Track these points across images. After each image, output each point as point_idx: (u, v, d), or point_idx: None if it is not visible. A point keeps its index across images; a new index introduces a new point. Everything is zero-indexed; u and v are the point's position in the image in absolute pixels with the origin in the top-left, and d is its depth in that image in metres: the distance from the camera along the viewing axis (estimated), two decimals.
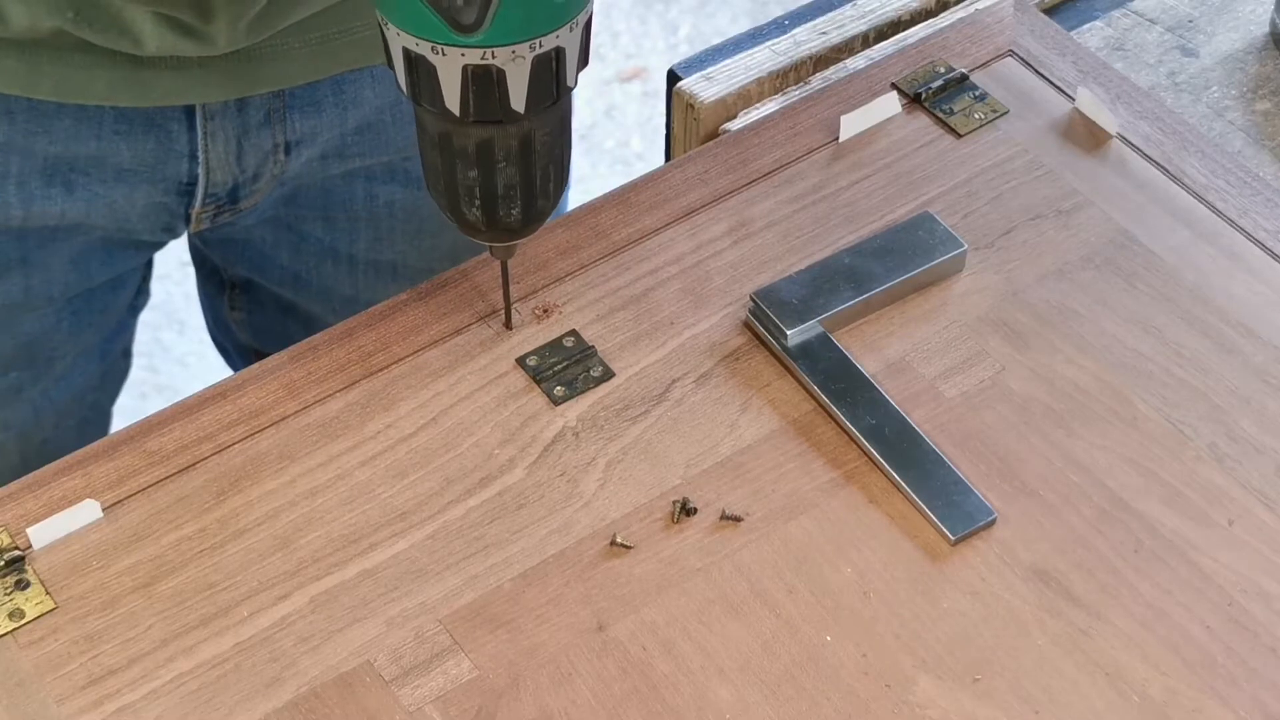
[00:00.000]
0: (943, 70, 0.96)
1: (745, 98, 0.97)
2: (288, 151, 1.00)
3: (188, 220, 1.02)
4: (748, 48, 0.99)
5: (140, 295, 1.12)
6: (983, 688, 0.75)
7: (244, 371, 0.86)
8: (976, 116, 0.95)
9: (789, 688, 0.75)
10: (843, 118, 0.94)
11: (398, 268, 1.09)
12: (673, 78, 0.99)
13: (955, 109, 0.95)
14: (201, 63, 0.91)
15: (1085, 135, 0.94)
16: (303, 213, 1.06)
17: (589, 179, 2.32)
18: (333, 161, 1.03)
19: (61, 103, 0.93)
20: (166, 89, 0.93)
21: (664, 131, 1.01)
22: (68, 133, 0.95)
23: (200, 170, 0.98)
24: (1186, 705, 0.74)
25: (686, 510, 0.80)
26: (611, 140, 2.35)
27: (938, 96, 0.96)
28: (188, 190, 0.99)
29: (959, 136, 0.94)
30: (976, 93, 0.95)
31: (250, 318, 1.18)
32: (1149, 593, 0.77)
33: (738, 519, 0.80)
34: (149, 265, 1.11)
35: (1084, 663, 0.75)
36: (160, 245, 1.06)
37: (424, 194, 1.07)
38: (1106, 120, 0.94)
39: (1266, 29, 1.02)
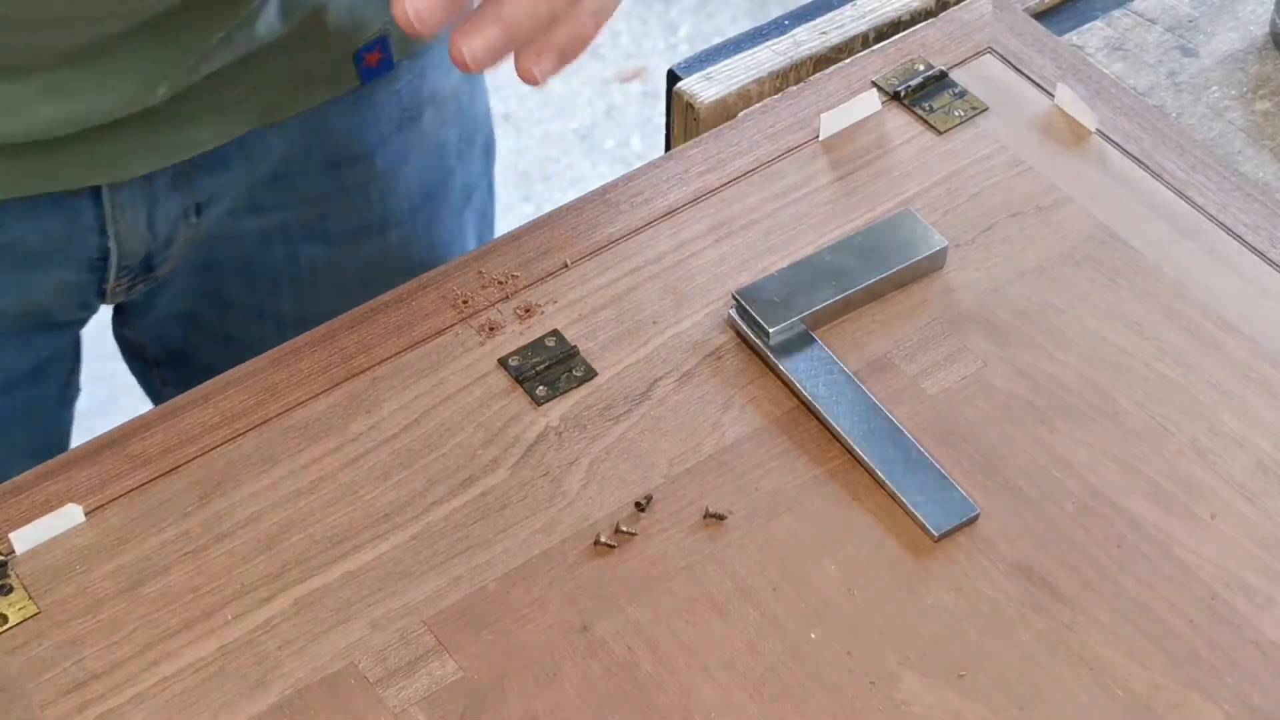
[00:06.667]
0: (922, 68, 0.96)
1: (745, 98, 0.97)
2: (199, 212, 0.98)
3: (103, 295, 0.99)
4: (748, 48, 0.99)
5: (70, 387, 1.09)
6: (967, 684, 0.75)
7: (225, 374, 0.86)
8: (956, 114, 0.95)
9: (774, 685, 0.75)
10: (822, 116, 0.94)
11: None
12: (673, 78, 0.98)
13: (935, 106, 0.95)
14: (105, 136, 0.89)
15: (1065, 131, 0.94)
16: (223, 277, 1.04)
17: (589, 179, 2.32)
18: (245, 217, 1.01)
19: None
20: (73, 174, 0.90)
21: (664, 131, 1.01)
22: None
23: (111, 243, 0.96)
24: (1169, 699, 0.74)
25: (639, 506, 0.80)
26: (611, 140, 2.36)
27: (917, 94, 0.96)
28: (100, 265, 0.97)
29: (939, 134, 0.94)
30: (956, 90, 0.96)
31: (185, 389, 1.16)
32: (1131, 587, 0.77)
33: (721, 517, 0.80)
34: (76, 356, 1.08)
35: (1067, 657, 0.76)
36: (80, 323, 1.03)
37: (344, 251, 1.05)
38: (1086, 116, 0.94)
39: (1266, 29, 1.02)
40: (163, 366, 1.14)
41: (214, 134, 0.95)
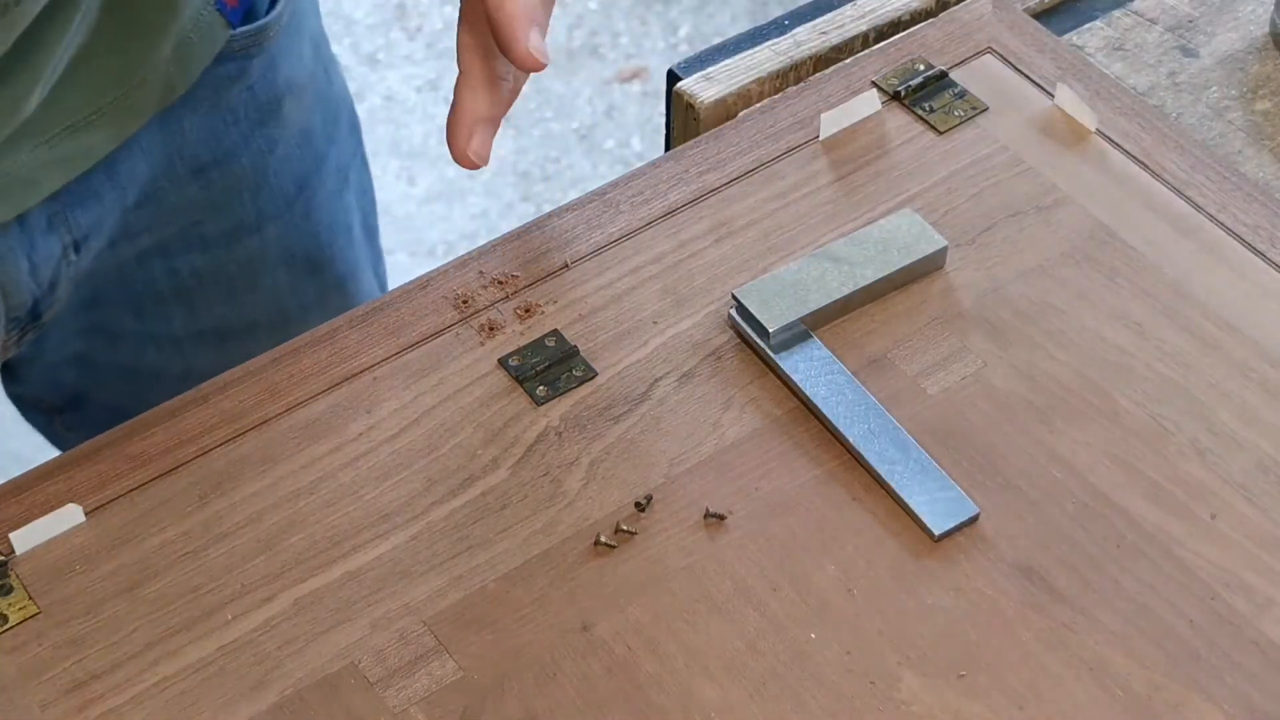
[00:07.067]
0: (922, 68, 0.96)
1: (745, 98, 0.97)
2: (78, 250, 0.96)
3: None
4: (748, 48, 0.99)
5: None
6: (967, 684, 0.75)
7: (226, 374, 0.86)
8: (956, 114, 0.95)
9: (774, 686, 0.75)
10: (822, 116, 0.94)
11: (223, 332, 1.06)
12: (673, 78, 0.98)
13: (935, 106, 0.95)
14: None
15: (1065, 131, 0.94)
16: (109, 309, 1.02)
17: (589, 179, 2.32)
18: (122, 245, 0.99)
19: None
20: None
21: (664, 131, 1.01)
22: None
23: None
24: (1170, 699, 0.74)
25: (639, 506, 0.80)
26: (611, 140, 2.36)
27: (917, 94, 0.96)
28: None
29: (939, 134, 0.94)
30: (956, 90, 0.96)
31: (90, 432, 1.08)
32: (1131, 587, 0.77)
33: (721, 517, 0.80)
34: None
35: (1068, 658, 0.76)
36: None
37: (224, 254, 1.02)
38: (1086, 116, 0.94)
39: (1266, 29, 1.02)
40: (64, 413, 1.11)
41: (105, 137, 0.92)
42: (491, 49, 0.81)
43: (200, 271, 1.02)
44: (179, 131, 0.98)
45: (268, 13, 0.99)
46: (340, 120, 1.09)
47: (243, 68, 0.99)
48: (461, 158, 0.82)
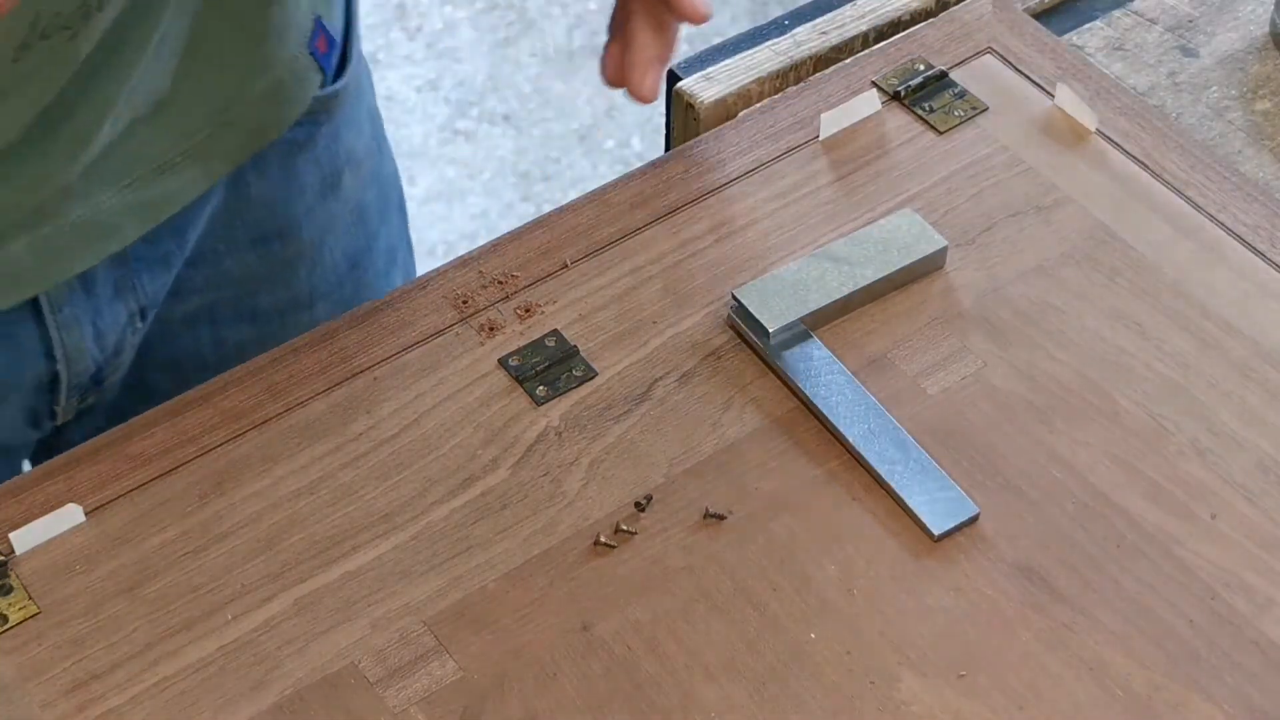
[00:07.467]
0: (922, 68, 0.96)
1: (745, 98, 0.97)
2: (143, 317, 0.96)
3: (54, 416, 0.97)
4: (748, 48, 0.99)
5: None
6: (967, 684, 0.75)
7: (225, 374, 0.86)
8: (956, 114, 0.95)
9: (773, 685, 0.75)
10: (822, 116, 0.94)
11: None
12: (673, 78, 0.98)
13: (935, 106, 0.95)
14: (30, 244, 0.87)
15: (1065, 131, 0.94)
16: (150, 369, 1.01)
17: (589, 179, 2.32)
18: (172, 304, 0.98)
19: None
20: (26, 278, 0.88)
21: (664, 131, 1.01)
22: None
23: (60, 366, 0.93)
24: (1170, 699, 0.74)
25: (639, 506, 0.80)
26: (611, 140, 2.35)
27: (917, 94, 0.96)
28: (50, 388, 0.95)
29: (939, 134, 0.94)
30: (956, 90, 0.96)
31: None
32: (1131, 587, 0.77)
33: (721, 517, 0.80)
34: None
35: (1068, 658, 0.76)
36: (30, 446, 1.00)
37: (272, 329, 1.02)
38: (1086, 116, 0.94)
39: (1266, 29, 1.02)
40: None
41: (192, 180, 0.92)
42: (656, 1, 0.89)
43: (245, 344, 1.01)
44: (245, 196, 0.98)
45: (334, 80, 0.99)
46: (392, 199, 1.10)
47: (310, 134, 0.99)
48: (638, 92, 0.90)
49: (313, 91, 0.97)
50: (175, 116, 0.89)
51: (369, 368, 0.86)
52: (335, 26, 0.98)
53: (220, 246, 0.98)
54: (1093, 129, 0.94)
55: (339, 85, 0.99)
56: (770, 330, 0.85)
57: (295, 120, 0.96)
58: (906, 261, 0.87)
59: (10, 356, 0.92)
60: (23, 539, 0.80)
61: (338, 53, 0.99)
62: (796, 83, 0.98)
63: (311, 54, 0.95)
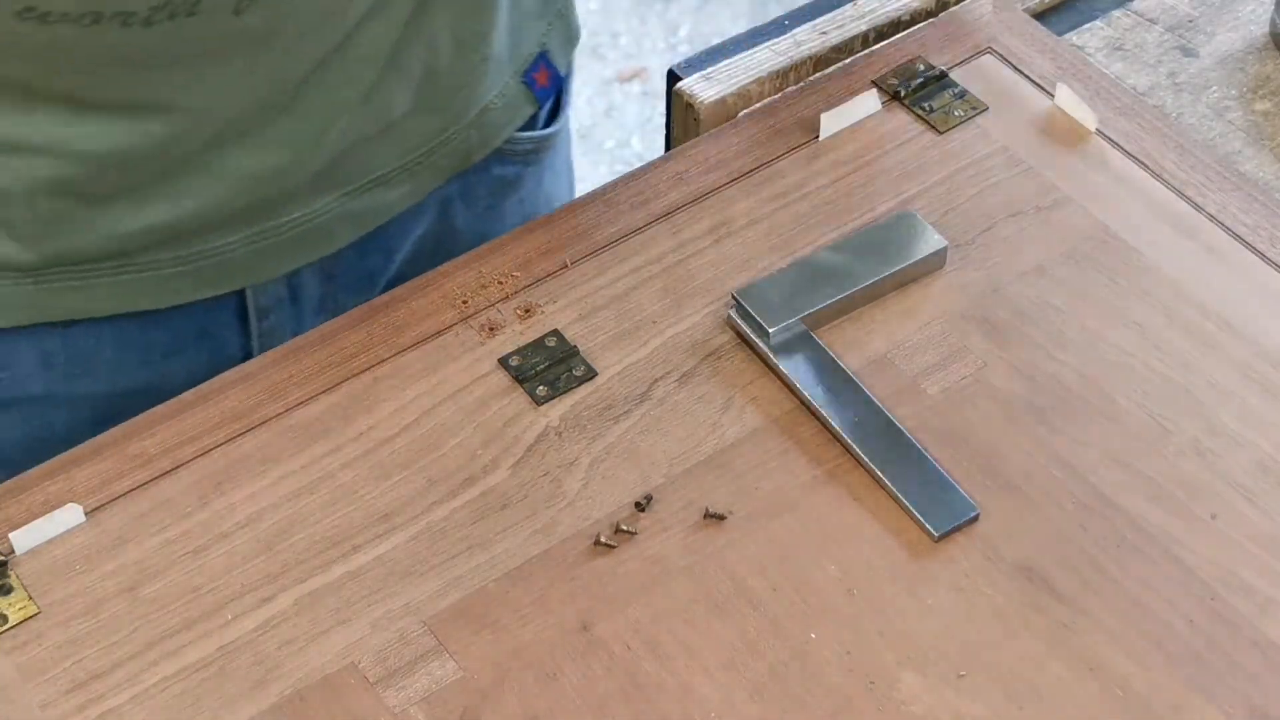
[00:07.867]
0: (922, 68, 0.96)
1: (745, 98, 0.97)
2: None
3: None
4: (748, 48, 0.99)
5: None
6: (967, 684, 0.75)
7: (225, 374, 0.86)
8: (956, 114, 0.95)
9: (773, 686, 0.75)
10: (822, 116, 0.94)
11: None
12: (673, 78, 0.98)
13: (935, 106, 0.95)
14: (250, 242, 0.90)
15: (1065, 131, 0.94)
16: None
17: (589, 179, 2.32)
18: None
19: (99, 336, 0.90)
20: (215, 274, 0.90)
21: (664, 131, 1.01)
22: (111, 366, 0.91)
23: (254, 342, 0.95)
24: (1169, 699, 0.74)
25: (639, 506, 0.80)
26: (612, 140, 2.36)
27: (917, 94, 0.96)
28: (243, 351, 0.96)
29: (939, 134, 0.94)
30: (956, 90, 0.96)
31: None
32: (1131, 587, 0.77)
33: (721, 517, 0.80)
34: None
35: (1068, 658, 0.76)
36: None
37: None
38: (1086, 116, 0.94)
39: (1266, 29, 1.02)
40: None
41: (403, 194, 0.94)
42: None
43: None
44: (452, 225, 1.00)
45: (547, 125, 1.02)
46: None
47: (519, 174, 1.01)
48: None
49: (520, 119, 0.99)
50: (403, 134, 0.92)
51: (369, 368, 0.86)
52: (561, 63, 1.00)
53: (423, 268, 0.99)
54: (1093, 129, 0.94)
55: (553, 129, 1.02)
56: (770, 330, 0.85)
57: (502, 142, 0.98)
58: (906, 262, 0.87)
59: (209, 355, 0.94)
60: (23, 539, 0.80)
61: (554, 94, 1.01)
62: (796, 83, 0.98)
63: (527, 83, 0.98)
